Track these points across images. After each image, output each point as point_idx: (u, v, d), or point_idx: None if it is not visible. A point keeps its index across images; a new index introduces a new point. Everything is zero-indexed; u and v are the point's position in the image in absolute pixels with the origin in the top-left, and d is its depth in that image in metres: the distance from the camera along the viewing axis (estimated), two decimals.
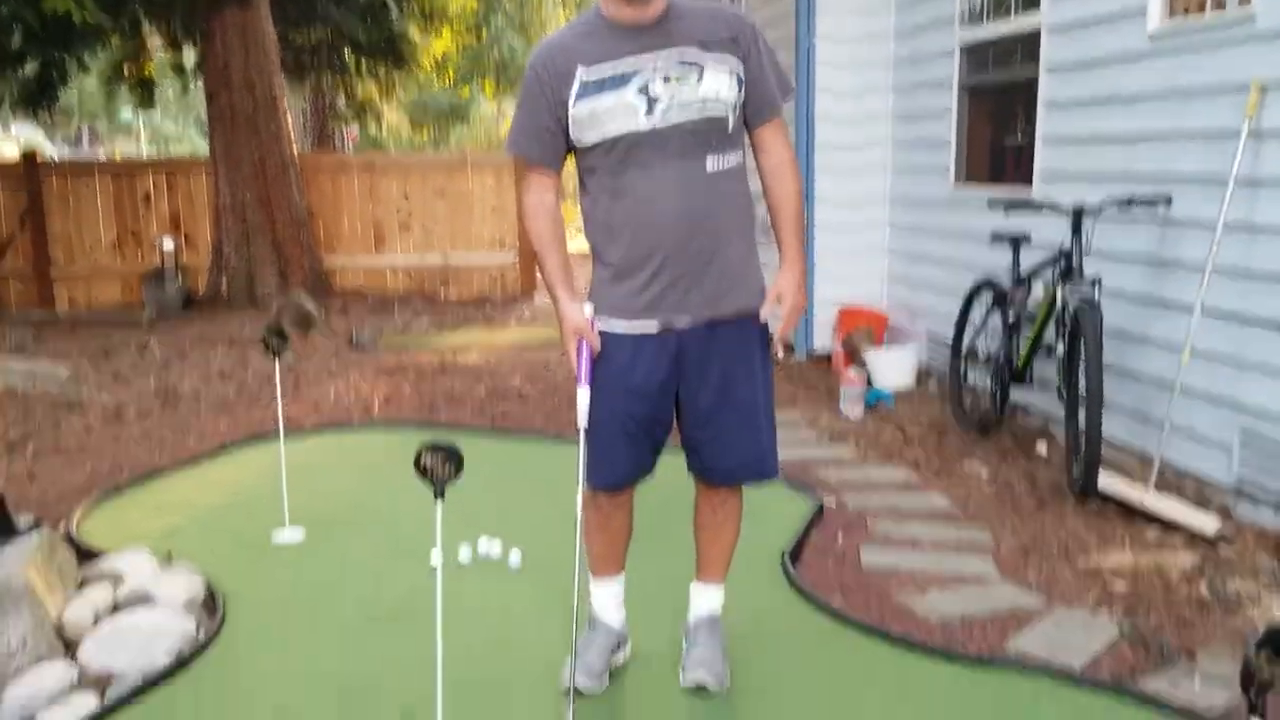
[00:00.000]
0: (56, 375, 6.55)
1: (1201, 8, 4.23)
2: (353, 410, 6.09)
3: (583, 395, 2.65)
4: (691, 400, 2.68)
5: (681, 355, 2.63)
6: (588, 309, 2.66)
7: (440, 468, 2.37)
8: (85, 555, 3.64)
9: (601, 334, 2.65)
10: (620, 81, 2.49)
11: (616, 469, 2.73)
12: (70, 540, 3.81)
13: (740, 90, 2.57)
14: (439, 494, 2.38)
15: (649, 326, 2.61)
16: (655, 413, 2.68)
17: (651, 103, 2.49)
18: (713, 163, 2.55)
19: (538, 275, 11.24)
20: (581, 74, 2.51)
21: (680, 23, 2.55)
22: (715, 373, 2.65)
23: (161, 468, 4.93)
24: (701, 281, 2.59)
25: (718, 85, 2.52)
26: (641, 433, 2.68)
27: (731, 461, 2.74)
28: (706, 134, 2.53)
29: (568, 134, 2.58)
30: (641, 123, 2.49)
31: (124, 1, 9.91)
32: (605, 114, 2.50)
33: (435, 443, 2.37)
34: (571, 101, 2.52)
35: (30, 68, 10.62)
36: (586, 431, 2.67)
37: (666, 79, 2.49)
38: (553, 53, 2.57)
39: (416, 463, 2.37)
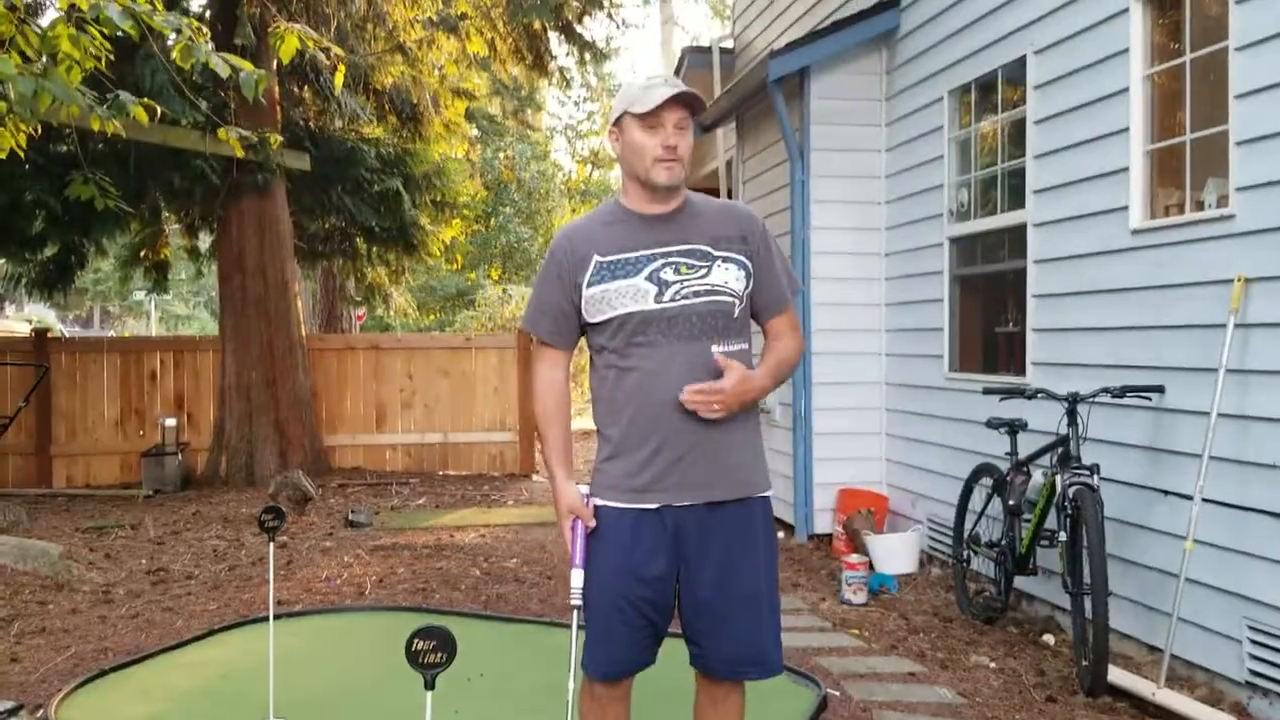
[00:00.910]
0: (48, 554, 6.47)
1: (1181, 207, 4.39)
2: (345, 591, 5.99)
3: (577, 577, 2.63)
4: (690, 585, 2.64)
5: (680, 535, 2.62)
6: (584, 488, 2.68)
7: (432, 655, 2.32)
8: None
9: (599, 508, 2.66)
10: (633, 269, 2.61)
11: (613, 656, 2.66)
12: None
13: (748, 283, 2.68)
14: (429, 684, 2.33)
15: (647, 503, 2.61)
16: (653, 596, 2.63)
17: (662, 287, 2.60)
18: (718, 347, 2.62)
19: (537, 456, 11.27)
20: (597, 260, 2.64)
21: (695, 218, 2.69)
22: (715, 557, 2.63)
23: (147, 651, 4.81)
24: (701, 464, 2.60)
25: (726, 277, 2.64)
26: (639, 617, 2.63)
27: (731, 654, 2.68)
28: (713, 319, 2.62)
29: (580, 315, 2.68)
30: (650, 304, 2.59)
31: (145, 188, 10.27)
32: (616, 295, 2.61)
33: (428, 629, 2.33)
34: (585, 284, 2.64)
35: (49, 250, 10.92)
36: (582, 615, 2.64)
37: (677, 269, 2.61)
38: (573, 238, 2.71)
39: (408, 649, 2.32)
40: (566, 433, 2.76)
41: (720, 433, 2.62)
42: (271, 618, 4.14)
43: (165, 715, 4.01)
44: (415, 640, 2.32)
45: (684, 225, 2.67)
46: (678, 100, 2.60)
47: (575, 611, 2.65)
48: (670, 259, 2.62)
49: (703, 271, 2.63)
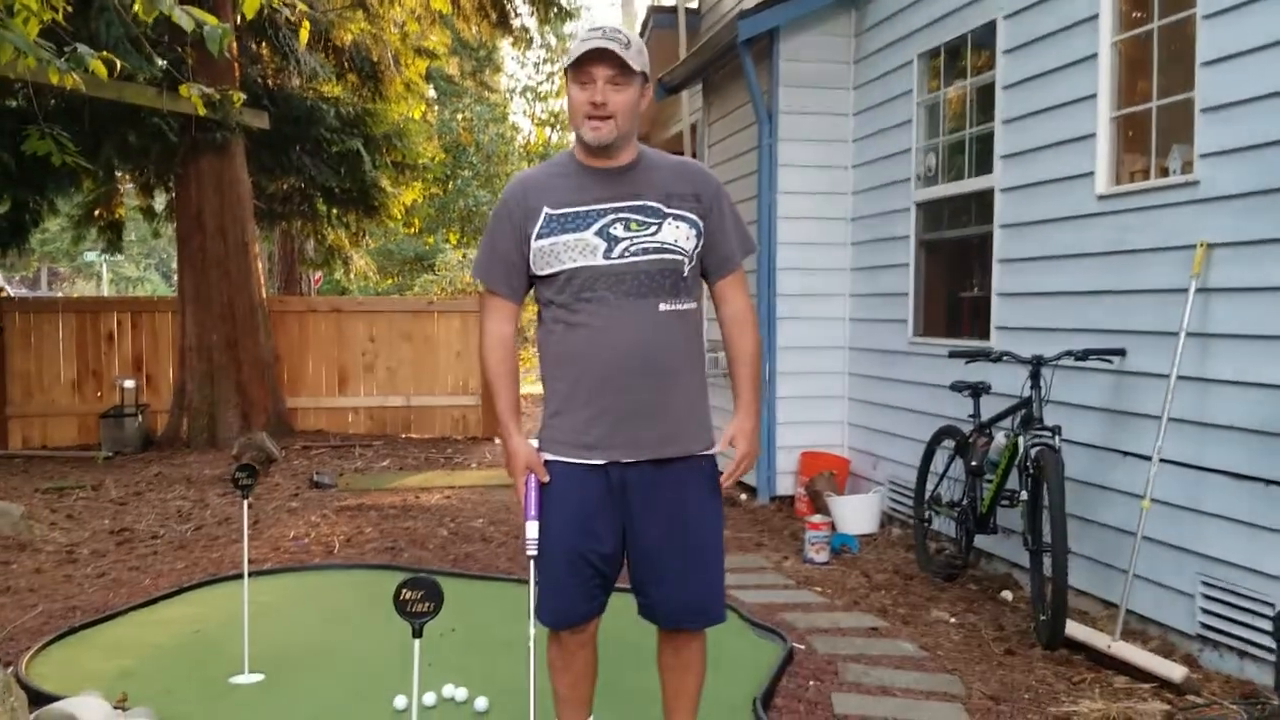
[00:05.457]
0: (9, 514, 6.40)
1: (1146, 173, 4.47)
2: (314, 550, 5.99)
3: (531, 528, 2.65)
4: (637, 538, 2.67)
5: (627, 490, 2.64)
6: (534, 442, 2.70)
7: (420, 605, 2.35)
8: (36, 698, 3.51)
9: (548, 463, 2.67)
10: (583, 223, 2.59)
11: (564, 605, 2.70)
12: (20, 682, 3.67)
13: (698, 242, 2.67)
14: (417, 632, 2.36)
15: (594, 459, 2.64)
16: (602, 548, 2.66)
17: (611, 243, 2.58)
18: (666, 305, 2.62)
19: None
20: (547, 212, 2.61)
21: (648, 174, 2.66)
22: (662, 511, 2.65)
23: (116, 609, 4.80)
24: (647, 421, 2.62)
25: (676, 235, 2.62)
26: (588, 568, 2.66)
27: (677, 605, 2.71)
28: (661, 277, 2.61)
29: (529, 267, 2.66)
30: (599, 259, 2.58)
31: (100, 146, 10.08)
32: (564, 249, 2.59)
33: (416, 579, 2.37)
34: (535, 235, 2.62)
35: (1, 208, 10.70)
36: (536, 564, 2.67)
37: (627, 225, 2.59)
38: (525, 188, 2.67)
39: (396, 598, 2.35)
40: (516, 388, 2.76)
41: (666, 392, 2.63)
42: (246, 573, 4.15)
43: (139, 670, 4.01)
44: (403, 590, 2.36)
45: (636, 181, 2.64)
46: (607, 55, 2.51)
47: (531, 562, 2.67)
48: (621, 214, 2.60)
49: (653, 229, 2.60)
